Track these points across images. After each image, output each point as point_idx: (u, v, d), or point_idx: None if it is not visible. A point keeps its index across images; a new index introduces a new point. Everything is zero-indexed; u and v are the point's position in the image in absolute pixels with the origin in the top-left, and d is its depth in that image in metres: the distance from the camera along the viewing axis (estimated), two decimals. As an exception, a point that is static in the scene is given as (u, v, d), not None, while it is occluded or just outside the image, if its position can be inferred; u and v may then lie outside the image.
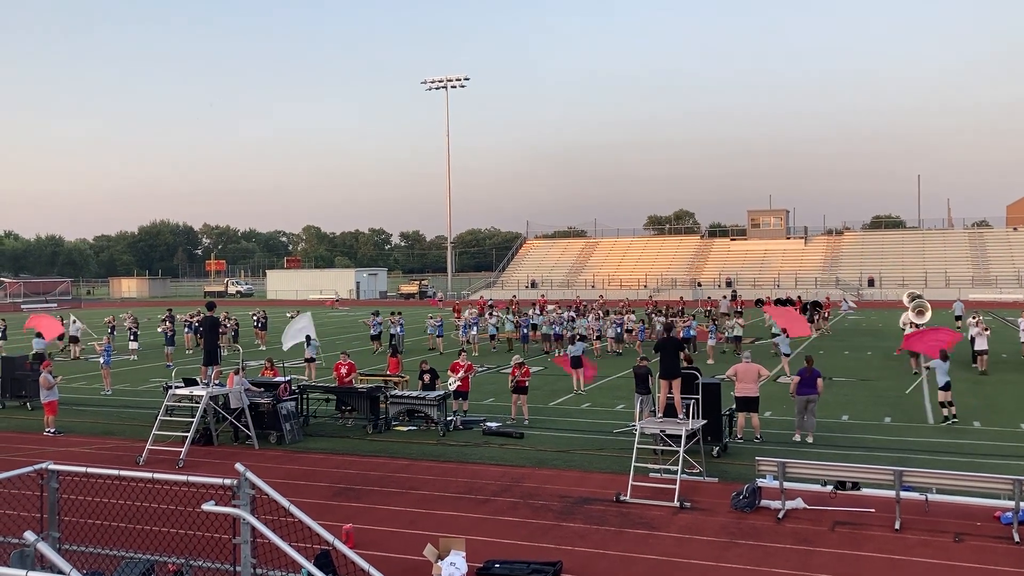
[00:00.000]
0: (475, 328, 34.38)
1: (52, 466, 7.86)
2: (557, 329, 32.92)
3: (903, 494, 11.70)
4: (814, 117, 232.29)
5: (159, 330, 35.50)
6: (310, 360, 26.19)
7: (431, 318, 35.44)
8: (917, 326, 26.57)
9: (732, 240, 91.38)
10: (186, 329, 36.96)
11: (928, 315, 29.35)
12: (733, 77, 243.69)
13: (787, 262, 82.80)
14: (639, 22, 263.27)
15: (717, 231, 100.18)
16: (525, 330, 34.21)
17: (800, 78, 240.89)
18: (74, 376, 28.40)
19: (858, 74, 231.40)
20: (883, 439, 17.12)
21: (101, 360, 25.44)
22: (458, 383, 19.03)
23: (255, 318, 39.47)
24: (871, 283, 75.73)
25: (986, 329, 26.48)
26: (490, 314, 36.45)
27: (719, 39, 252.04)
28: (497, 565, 10.14)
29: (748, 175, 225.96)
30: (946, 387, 18.48)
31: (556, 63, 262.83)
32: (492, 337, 34.89)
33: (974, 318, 28.55)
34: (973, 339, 26.70)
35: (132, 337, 33.88)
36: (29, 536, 6.03)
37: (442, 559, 9.86)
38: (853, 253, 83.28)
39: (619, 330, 33.04)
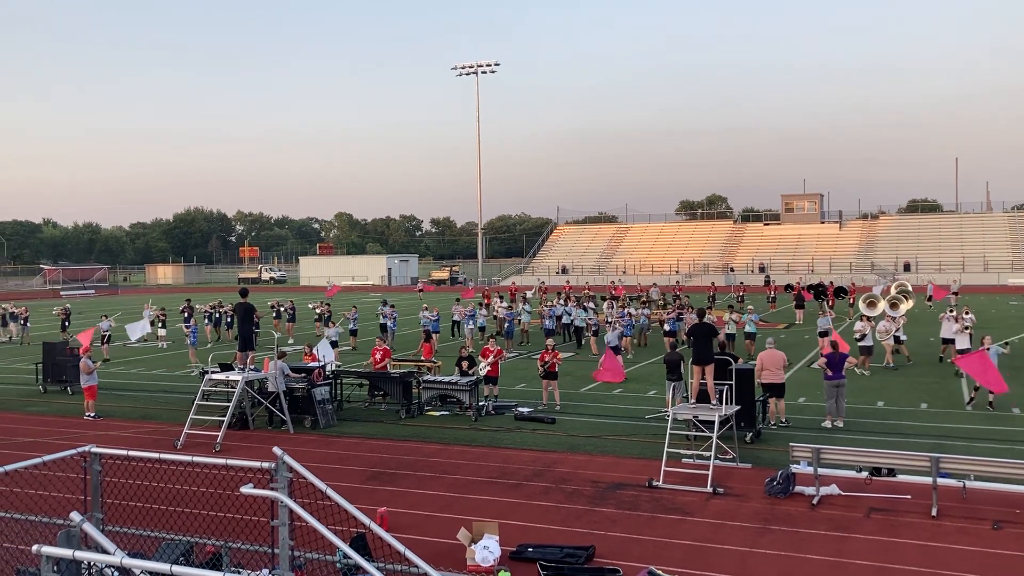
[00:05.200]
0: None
1: (95, 449, 8.01)
2: (549, 324, 30.38)
3: (940, 481, 11.58)
4: (848, 100, 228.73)
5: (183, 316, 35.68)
6: (333, 344, 26.55)
7: (457, 302, 35.52)
8: (870, 319, 24.73)
9: (765, 225, 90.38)
10: (206, 320, 35.57)
11: (879, 308, 26.37)
12: (766, 61, 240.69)
13: (821, 247, 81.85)
14: (672, 7, 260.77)
15: (750, 216, 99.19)
16: (550, 320, 31.41)
17: (835, 62, 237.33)
18: (114, 361, 28.87)
19: (894, 57, 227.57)
20: (919, 425, 16.93)
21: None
22: (488, 368, 19.16)
23: (283, 308, 36.86)
24: (907, 268, 74.65)
25: (966, 328, 22.90)
26: (523, 300, 35.95)
27: (753, 24, 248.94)
28: (530, 549, 10.20)
29: (781, 159, 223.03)
30: None
31: (588, 48, 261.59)
32: (522, 332, 33.18)
33: (952, 311, 24.79)
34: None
35: (160, 325, 34.22)
36: (75, 517, 6.17)
37: (475, 543, 9.94)
38: (889, 238, 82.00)
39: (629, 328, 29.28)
